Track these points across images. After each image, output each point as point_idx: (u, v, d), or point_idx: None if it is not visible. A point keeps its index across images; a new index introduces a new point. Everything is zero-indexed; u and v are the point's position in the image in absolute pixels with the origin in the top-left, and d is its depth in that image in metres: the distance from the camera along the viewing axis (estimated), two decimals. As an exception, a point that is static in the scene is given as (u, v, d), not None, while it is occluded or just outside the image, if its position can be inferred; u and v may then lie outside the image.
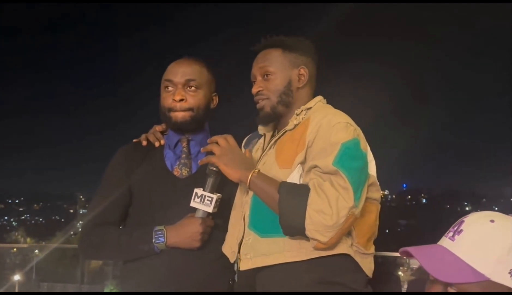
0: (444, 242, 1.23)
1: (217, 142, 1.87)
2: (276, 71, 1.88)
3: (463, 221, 1.23)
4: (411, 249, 1.24)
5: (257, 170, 1.80)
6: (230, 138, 1.87)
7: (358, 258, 1.76)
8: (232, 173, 1.82)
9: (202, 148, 1.94)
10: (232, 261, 1.90)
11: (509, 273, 1.14)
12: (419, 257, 1.20)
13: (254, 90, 1.91)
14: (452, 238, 1.21)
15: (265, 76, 1.89)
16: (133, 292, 1.95)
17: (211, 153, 1.88)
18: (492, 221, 1.19)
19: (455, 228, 1.23)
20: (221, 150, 1.84)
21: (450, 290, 1.17)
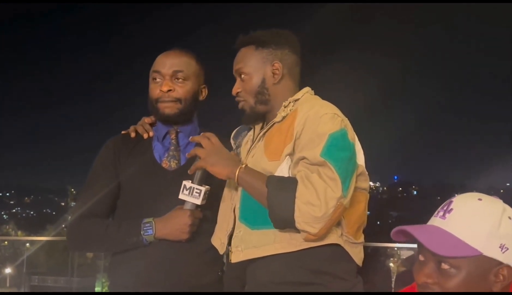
0: (435, 221, 1.27)
1: (200, 145, 1.85)
2: (249, 71, 1.87)
3: (451, 201, 1.27)
4: (406, 227, 1.26)
5: (243, 165, 1.80)
6: (213, 137, 1.86)
7: (348, 248, 1.77)
8: (219, 172, 1.81)
9: (187, 154, 1.92)
10: (221, 252, 1.91)
11: (500, 247, 1.19)
12: (416, 233, 1.23)
13: (233, 92, 1.92)
14: (443, 217, 1.25)
15: (242, 76, 1.89)
16: (130, 292, 1.94)
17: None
18: (480, 199, 1.25)
19: (445, 208, 1.27)
20: (205, 151, 1.83)
21: (444, 266, 1.20)
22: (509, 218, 1.22)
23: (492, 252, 1.19)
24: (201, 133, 1.89)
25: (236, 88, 1.90)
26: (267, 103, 1.88)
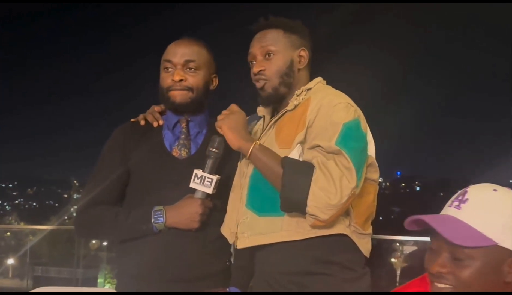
0: (450, 211, 1.26)
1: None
2: (278, 50, 1.85)
3: (466, 191, 1.27)
4: (422, 217, 1.26)
5: (259, 142, 1.80)
6: (238, 108, 1.88)
7: (355, 238, 1.77)
8: (233, 139, 1.81)
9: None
10: (231, 242, 1.91)
11: None
12: (433, 223, 1.23)
13: (256, 69, 1.87)
14: (458, 207, 1.25)
15: (267, 56, 1.86)
16: (132, 292, 1.95)
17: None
18: (495, 190, 1.25)
19: (459, 198, 1.26)
20: (228, 114, 1.84)
21: (459, 256, 1.20)
22: None
23: (507, 242, 1.19)
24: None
25: (259, 66, 1.86)
26: (290, 86, 1.86)
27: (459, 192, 1.29)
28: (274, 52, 1.85)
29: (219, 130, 1.84)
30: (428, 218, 1.25)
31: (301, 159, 1.74)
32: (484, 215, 1.21)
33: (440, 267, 1.22)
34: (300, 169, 1.68)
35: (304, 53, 1.88)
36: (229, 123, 1.82)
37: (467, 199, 1.25)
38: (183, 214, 1.88)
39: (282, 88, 1.86)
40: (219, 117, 1.85)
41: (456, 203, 1.26)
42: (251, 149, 1.77)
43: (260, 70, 1.86)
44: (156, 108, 2.10)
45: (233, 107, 1.87)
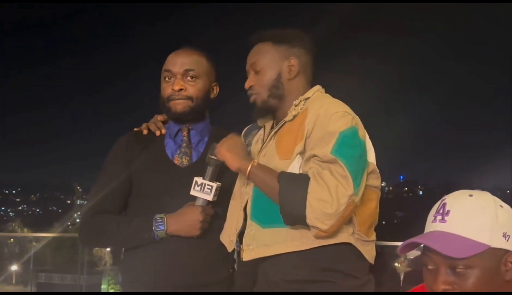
0: (436, 227, 1.27)
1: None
2: (265, 65, 1.88)
3: (444, 203, 1.28)
4: (414, 239, 1.27)
5: (256, 161, 1.81)
6: (236, 135, 1.92)
7: (359, 246, 1.78)
8: (232, 160, 1.83)
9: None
10: (229, 250, 1.92)
11: (503, 236, 1.22)
12: (429, 243, 1.23)
13: (246, 85, 1.92)
14: (442, 221, 1.26)
15: (256, 71, 1.89)
16: (133, 292, 1.96)
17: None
18: (470, 195, 1.27)
19: (441, 211, 1.28)
20: (226, 139, 1.87)
21: (459, 269, 1.21)
22: (501, 206, 1.26)
23: (498, 242, 1.22)
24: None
25: (249, 82, 1.91)
26: (280, 98, 1.88)
27: (437, 205, 1.30)
28: (261, 67, 1.88)
29: (218, 155, 1.86)
30: (419, 239, 1.26)
31: (301, 170, 1.75)
32: (470, 222, 1.23)
33: (445, 284, 1.23)
34: (295, 182, 1.70)
35: (294, 62, 1.88)
36: (227, 146, 1.85)
37: (448, 211, 1.26)
38: (184, 222, 1.89)
39: (272, 100, 1.88)
40: (218, 144, 1.88)
41: (439, 217, 1.27)
42: (249, 168, 1.79)
43: (251, 86, 1.90)
44: (159, 117, 2.13)
45: (231, 134, 1.91)
